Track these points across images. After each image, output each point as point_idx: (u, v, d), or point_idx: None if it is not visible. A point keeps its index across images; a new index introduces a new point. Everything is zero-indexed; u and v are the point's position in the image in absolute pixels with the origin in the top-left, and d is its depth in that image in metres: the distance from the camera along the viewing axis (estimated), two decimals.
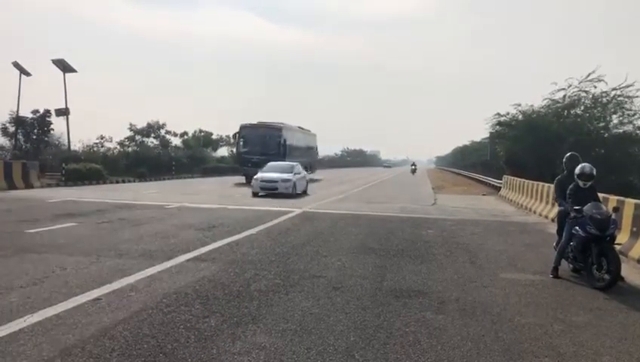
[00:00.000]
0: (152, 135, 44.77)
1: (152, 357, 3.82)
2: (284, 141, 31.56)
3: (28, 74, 30.58)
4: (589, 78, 22.94)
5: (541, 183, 16.42)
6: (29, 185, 21.38)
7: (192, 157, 42.31)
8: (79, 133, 75.64)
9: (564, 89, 24.24)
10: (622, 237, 8.57)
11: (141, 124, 44.18)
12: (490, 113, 32.25)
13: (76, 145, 34.90)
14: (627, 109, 22.63)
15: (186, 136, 48.87)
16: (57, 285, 5.75)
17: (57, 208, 13.95)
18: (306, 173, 23.53)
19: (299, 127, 38.46)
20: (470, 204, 19.13)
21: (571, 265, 7.12)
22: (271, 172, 20.98)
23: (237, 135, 32.67)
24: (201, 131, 52.28)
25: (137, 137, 43.49)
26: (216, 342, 4.16)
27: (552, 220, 12.48)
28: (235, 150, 38.47)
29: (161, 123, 45.21)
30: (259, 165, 24.23)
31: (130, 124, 43.25)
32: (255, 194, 19.92)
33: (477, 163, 45.33)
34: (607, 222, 6.44)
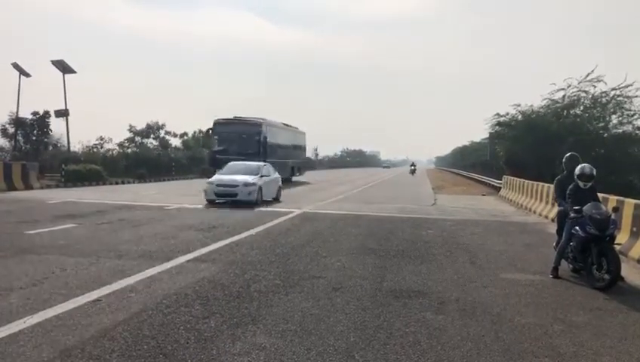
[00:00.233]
0: (152, 136, 44.78)
1: (152, 358, 3.82)
2: (265, 139, 27.72)
3: (27, 75, 30.62)
4: (589, 78, 23.00)
5: (541, 183, 16.42)
6: (28, 186, 21.37)
7: (192, 158, 42.27)
8: (79, 134, 75.64)
9: (563, 89, 24.29)
10: (622, 237, 8.57)
11: (141, 124, 44.21)
12: (490, 113, 32.27)
13: (76, 146, 35.06)
14: (627, 109, 22.64)
15: (185, 137, 48.82)
16: (57, 286, 5.75)
17: (57, 209, 13.96)
18: (278, 175, 19.12)
19: (284, 124, 34.18)
20: (470, 204, 19.12)
21: (571, 265, 7.11)
22: (232, 174, 16.75)
23: (210, 131, 28.77)
24: (200, 131, 52.24)
25: (137, 138, 43.48)
26: (216, 342, 4.16)
27: (552, 220, 12.48)
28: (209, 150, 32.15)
29: (160, 123, 45.27)
30: None
31: (130, 125, 43.33)
32: (211, 203, 15.94)
33: (477, 163, 45.35)
34: (606, 222, 6.44)
